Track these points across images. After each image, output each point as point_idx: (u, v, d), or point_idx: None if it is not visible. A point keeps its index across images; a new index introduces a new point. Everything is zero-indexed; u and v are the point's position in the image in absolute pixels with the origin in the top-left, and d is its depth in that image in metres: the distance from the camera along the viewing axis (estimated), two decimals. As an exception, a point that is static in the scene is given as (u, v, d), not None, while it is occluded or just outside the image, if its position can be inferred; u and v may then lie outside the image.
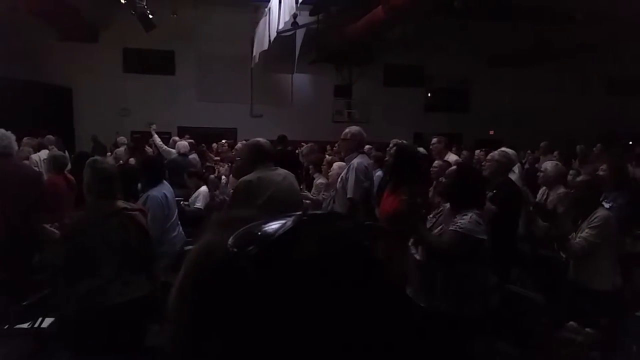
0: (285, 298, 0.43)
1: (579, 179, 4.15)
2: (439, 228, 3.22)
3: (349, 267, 0.47)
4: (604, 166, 5.10)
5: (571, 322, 1.44)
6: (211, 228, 0.53)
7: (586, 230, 3.62)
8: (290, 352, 0.43)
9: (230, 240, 0.46)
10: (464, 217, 2.98)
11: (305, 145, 8.04)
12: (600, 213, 3.66)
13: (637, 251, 4.43)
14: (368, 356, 0.45)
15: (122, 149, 9.54)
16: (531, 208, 4.10)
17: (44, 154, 7.22)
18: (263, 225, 0.47)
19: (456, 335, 2.96)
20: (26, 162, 6.89)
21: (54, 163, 5.27)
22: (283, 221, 0.47)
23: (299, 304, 0.43)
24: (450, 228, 3.01)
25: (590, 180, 4.00)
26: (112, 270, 2.82)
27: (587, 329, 1.48)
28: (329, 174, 5.33)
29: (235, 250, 0.46)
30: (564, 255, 3.97)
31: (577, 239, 3.63)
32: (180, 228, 4.61)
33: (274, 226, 0.47)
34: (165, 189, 4.37)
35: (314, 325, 0.43)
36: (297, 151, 8.40)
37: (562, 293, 3.88)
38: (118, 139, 10.70)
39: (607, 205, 4.64)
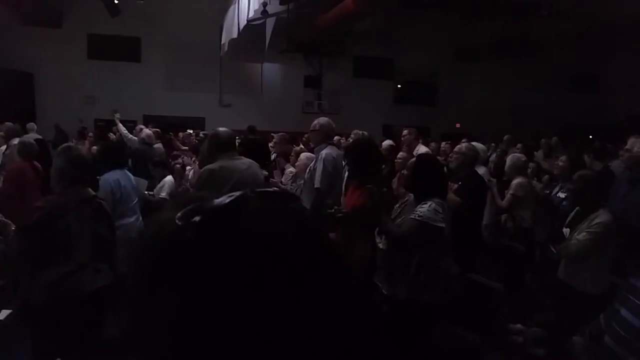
0: (229, 268, 0.44)
1: (579, 172, 3.94)
2: (401, 218, 3.31)
3: (297, 244, 0.48)
4: (563, 157, 5.27)
5: (517, 325, 1.49)
6: (165, 208, 0.53)
7: (584, 233, 3.45)
8: (233, 322, 0.43)
9: (177, 215, 0.48)
10: (424, 205, 3.08)
11: (277, 135, 8.06)
12: (602, 218, 3.45)
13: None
14: (313, 334, 0.45)
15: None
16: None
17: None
18: (211, 199, 0.48)
19: (416, 321, 3.05)
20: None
21: (22, 150, 5.12)
22: (232, 195, 0.49)
23: (243, 275, 0.44)
24: (410, 217, 3.12)
25: (589, 175, 3.84)
26: (85, 257, 2.82)
27: (533, 328, 1.53)
28: (296, 164, 5.34)
29: (180, 222, 0.47)
30: (554, 251, 3.79)
31: (573, 240, 3.48)
32: (140, 217, 4.56)
33: (221, 199, 0.48)
34: (120, 174, 4.36)
35: (256, 300, 0.44)
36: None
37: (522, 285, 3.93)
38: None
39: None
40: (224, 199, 0.48)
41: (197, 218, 0.46)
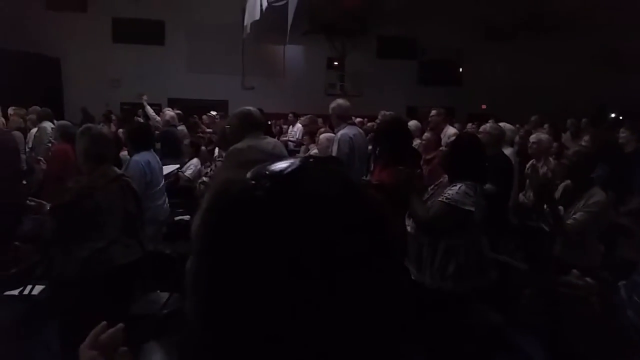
0: (293, 230, 0.48)
1: (572, 149, 4.11)
2: (432, 200, 3.14)
3: (355, 209, 0.52)
4: (586, 137, 5.13)
5: (574, 270, 1.43)
6: (227, 168, 0.57)
7: (581, 213, 3.45)
8: (293, 275, 0.47)
9: (248, 175, 0.52)
10: (453, 187, 2.93)
11: (305, 117, 8.21)
12: (598, 197, 3.46)
13: (621, 223, 4.47)
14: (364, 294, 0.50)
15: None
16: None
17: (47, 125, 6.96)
18: (274, 165, 0.53)
19: (439, 310, 2.94)
20: (17, 132, 6.79)
21: (62, 132, 5.23)
22: (291, 161, 0.53)
23: (304, 239, 0.48)
24: (438, 199, 2.96)
25: (582, 150, 3.92)
26: (114, 233, 2.91)
27: (587, 279, 1.48)
28: (317, 145, 5.35)
29: (253, 182, 0.51)
30: (546, 228, 3.92)
31: (571, 220, 3.46)
32: (167, 199, 4.59)
33: (283, 165, 0.52)
34: (150, 156, 4.36)
35: (316, 256, 0.48)
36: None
37: (548, 265, 3.90)
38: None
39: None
40: (288, 166, 0.52)
41: (266, 182, 0.51)
